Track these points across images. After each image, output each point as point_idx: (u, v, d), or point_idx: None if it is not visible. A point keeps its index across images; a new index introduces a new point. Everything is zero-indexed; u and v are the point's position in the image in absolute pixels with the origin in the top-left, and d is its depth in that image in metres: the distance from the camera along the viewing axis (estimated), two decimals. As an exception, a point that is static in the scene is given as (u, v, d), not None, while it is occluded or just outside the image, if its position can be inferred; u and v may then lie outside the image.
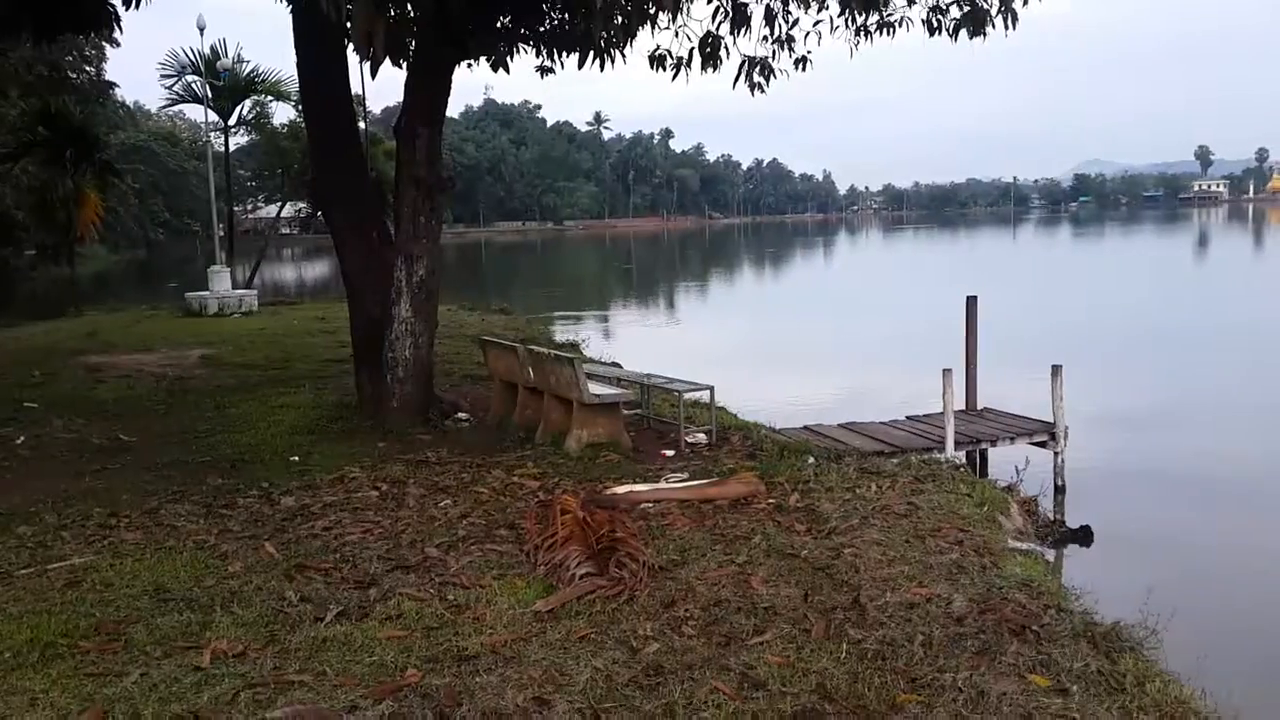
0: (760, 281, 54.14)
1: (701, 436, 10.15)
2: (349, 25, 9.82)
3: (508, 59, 10.63)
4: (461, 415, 11.08)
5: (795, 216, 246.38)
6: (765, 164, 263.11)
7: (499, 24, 10.47)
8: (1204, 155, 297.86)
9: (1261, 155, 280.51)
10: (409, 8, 9.64)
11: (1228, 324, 26.47)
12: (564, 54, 10.80)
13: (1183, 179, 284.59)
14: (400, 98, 10.99)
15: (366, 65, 9.73)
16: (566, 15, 10.25)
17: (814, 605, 5.38)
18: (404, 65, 10.49)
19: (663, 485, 8.15)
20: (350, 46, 9.88)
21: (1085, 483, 11.43)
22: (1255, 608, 8.43)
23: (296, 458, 9.40)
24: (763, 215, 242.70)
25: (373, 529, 6.98)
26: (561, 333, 24.58)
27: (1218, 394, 17.41)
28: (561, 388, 9.64)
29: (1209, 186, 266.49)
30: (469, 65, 11.15)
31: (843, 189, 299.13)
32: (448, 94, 11.00)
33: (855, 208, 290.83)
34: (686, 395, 10.64)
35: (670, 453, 9.60)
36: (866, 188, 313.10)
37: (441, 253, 11.52)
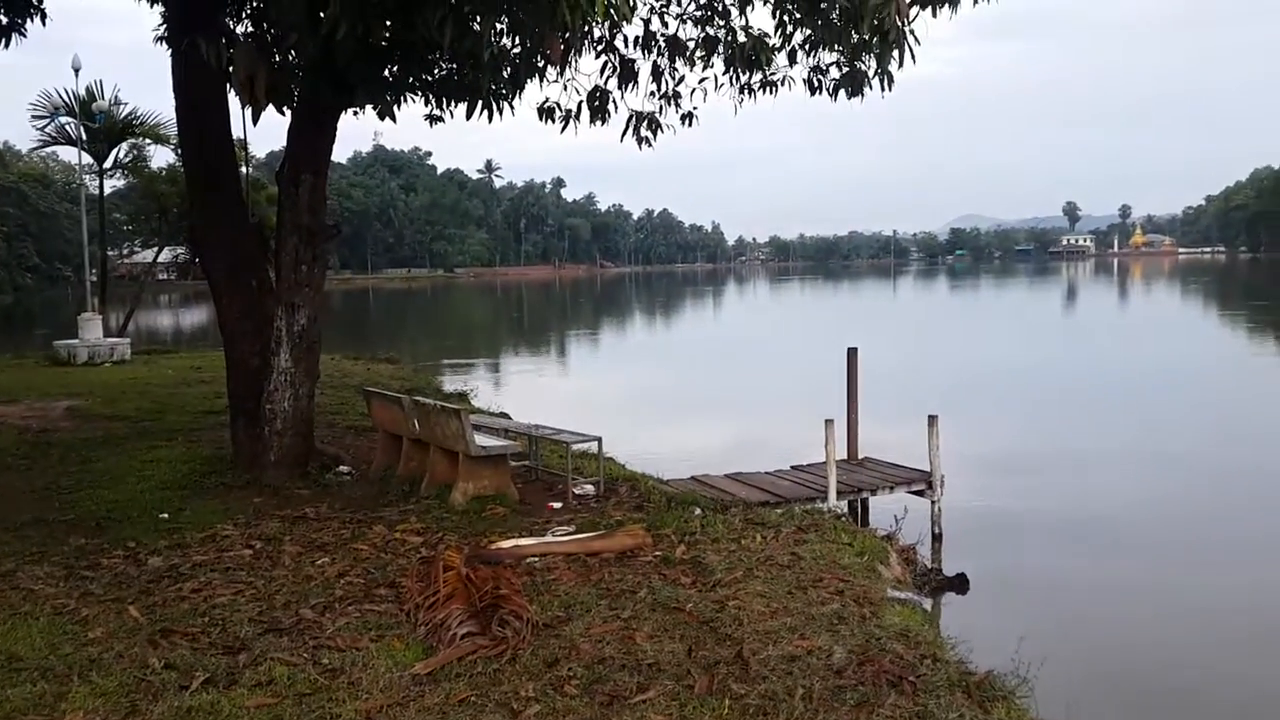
0: (651, 331, 54.56)
1: (589, 488, 10.10)
2: (230, 70, 9.67)
3: (395, 107, 10.56)
4: (343, 469, 10.80)
5: (685, 266, 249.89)
6: (656, 214, 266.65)
7: (386, 73, 10.39)
8: (1072, 211, 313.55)
9: (1125, 211, 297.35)
10: (292, 55, 9.49)
11: (1095, 373, 27.72)
12: (453, 103, 10.78)
13: (1052, 233, 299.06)
14: (286, 141, 10.79)
15: (249, 110, 9.59)
16: (455, 65, 10.24)
17: (698, 660, 5.37)
18: (288, 111, 10.32)
19: (549, 539, 8.06)
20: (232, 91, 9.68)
21: (962, 530, 11.75)
22: (1122, 649, 8.76)
23: (166, 515, 9.00)
24: (653, 265, 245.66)
25: (245, 590, 6.71)
26: (450, 382, 24.30)
27: (1086, 441, 18.16)
28: (447, 440, 9.50)
29: (1076, 241, 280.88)
30: (355, 113, 11.04)
31: (731, 240, 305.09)
32: (333, 141, 10.85)
33: (743, 258, 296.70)
34: (575, 446, 10.59)
35: (558, 505, 9.52)
36: (754, 239, 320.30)
37: (325, 301, 11.29)
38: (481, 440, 9.53)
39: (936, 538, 11.43)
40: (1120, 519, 12.84)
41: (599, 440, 10.37)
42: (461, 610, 5.82)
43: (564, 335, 49.57)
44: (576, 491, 9.94)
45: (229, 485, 10.13)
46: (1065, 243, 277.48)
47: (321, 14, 7.85)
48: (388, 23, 8.60)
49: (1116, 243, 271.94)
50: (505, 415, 15.39)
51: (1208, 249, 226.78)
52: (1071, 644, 8.43)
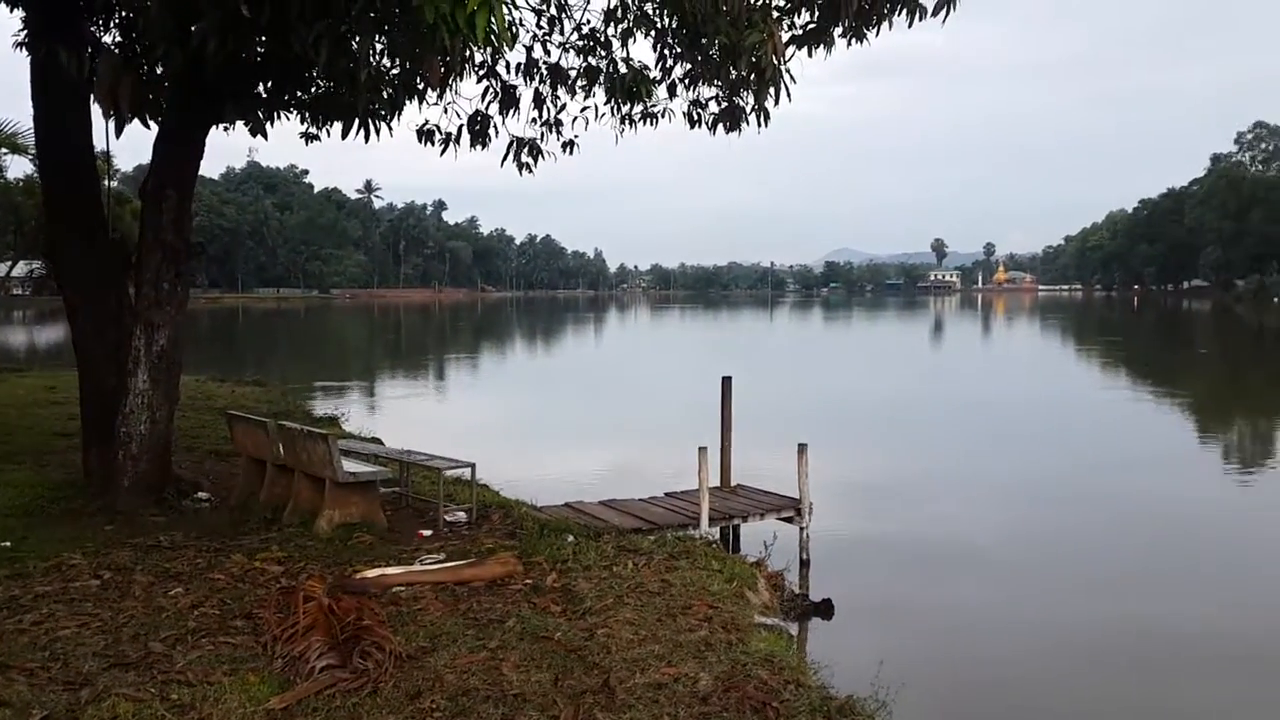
0: (531, 356, 54.31)
1: (461, 515, 9.97)
2: (93, 80, 9.29)
3: (268, 124, 10.33)
4: (202, 495, 10.40)
5: (568, 292, 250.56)
6: (539, 240, 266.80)
7: (260, 89, 10.15)
8: (939, 247, 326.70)
9: (989, 249, 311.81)
10: (158, 67, 9.20)
11: (958, 403, 28.75)
12: (329, 122, 10.60)
13: (920, 269, 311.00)
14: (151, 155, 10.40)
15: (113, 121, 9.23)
16: (332, 84, 10.07)
17: (564, 690, 5.34)
18: (154, 124, 9.97)
19: (417, 567, 7.92)
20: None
21: (830, 555, 11.99)
22: (979, 670, 9.05)
23: (8, 543, 8.49)
24: (536, 290, 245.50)
25: (90, 622, 6.38)
26: (321, 406, 23.70)
27: (950, 468, 18.81)
28: (313, 465, 9.25)
29: (944, 276, 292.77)
30: (225, 128, 10.74)
31: (613, 267, 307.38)
32: (200, 156, 10.53)
33: (625, 285, 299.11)
34: (448, 472, 10.45)
35: (428, 532, 9.36)
36: (635, 267, 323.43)
37: (189, 320, 10.89)
38: (350, 466, 9.31)
39: (804, 564, 11.64)
40: (980, 543, 13.32)
41: (472, 466, 10.25)
42: (321, 642, 5.66)
43: (443, 359, 48.90)
44: (448, 519, 9.80)
45: (79, 512, 9.64)
46: (933, 278, 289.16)
47: (192, 27, 7.65)
48: (261, 38, 8.43)
49: (981, 278, 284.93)
50: (378, 440, 15.08)
51: (1065, 286, 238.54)
52: (931, 667, 8.68)
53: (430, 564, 8.07)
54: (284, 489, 9.79)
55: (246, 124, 10.29)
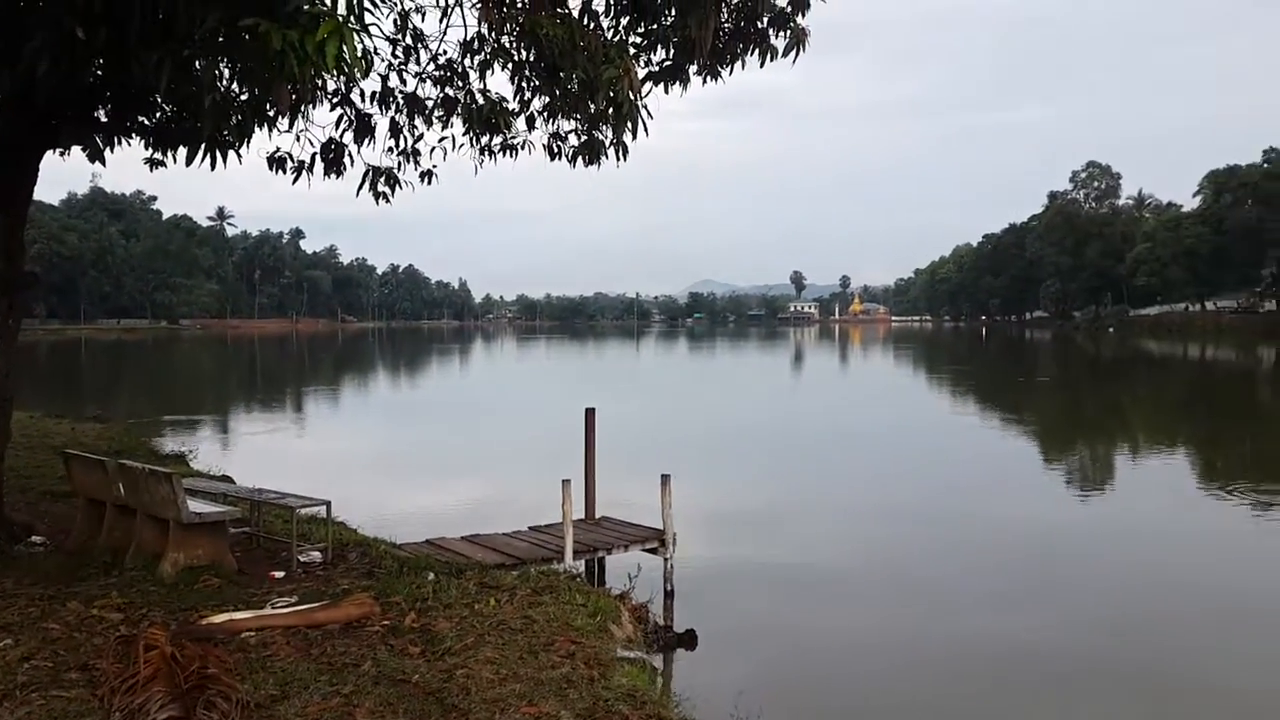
0: (394, 388, 53.21)
1: (316, 555, 9.65)
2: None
3: (108, 149, 9.86)
4: (36, 539, 9.78)
5: (432, 323, 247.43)
6: (401, 269, 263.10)
7: (98, 113, 9.69)
8: (798, 280, 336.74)
9: (845, 281, 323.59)
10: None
11: (818, 430, 29.51)
12: (174, 148, 10.19)
13: (780, 300, 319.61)
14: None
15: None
16: (176, 109, 9.69)
17: (421, 734, 5.19)
18: (-20, 147, 9.41)
19: (268, 611, 7.61)
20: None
21: (695, 585, 12.08)
22: (837, 694, 9.24)
23: None
24: (398, 320, 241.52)
25: (-97, 682, 5.90)
26: (169, 443, 22.65)
27: (812, 493, 19.26)
28: (156, 506, 8.81)
29: (803, 308, 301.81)
30: (61, 153, 10.21)
31: (478, 297, 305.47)
32: (34, 182, 9.96)
33: (490, 316, 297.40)
34: (302, 511, 10.10)
35: (280, 574, 9.02)
36: (501, 297, 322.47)
37: (21, 353, 10.26)
38: (196, 506, 8.91)
39: (669, 595, 11.68)
40: (840, 567, 13.65)
41: (328, 504, 9.94)
42: (163, 693, 5.37)
43: (300, 392, 47.44)
44: (302, 559, 9.47)
45: (-107, 561, 8.93)
46: (793, 309, 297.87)
47: (22, 48, 7.26)
48: (99, 61, 8.06)
49: (838, 310, 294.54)
50: (228, 478, 14.50)
51: (917, 317, 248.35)
52: (790, 693, 8.82)
53: (282, 607, 7.76)
54: (125, 531, 9.28)
55: (84, 149, 9.81)
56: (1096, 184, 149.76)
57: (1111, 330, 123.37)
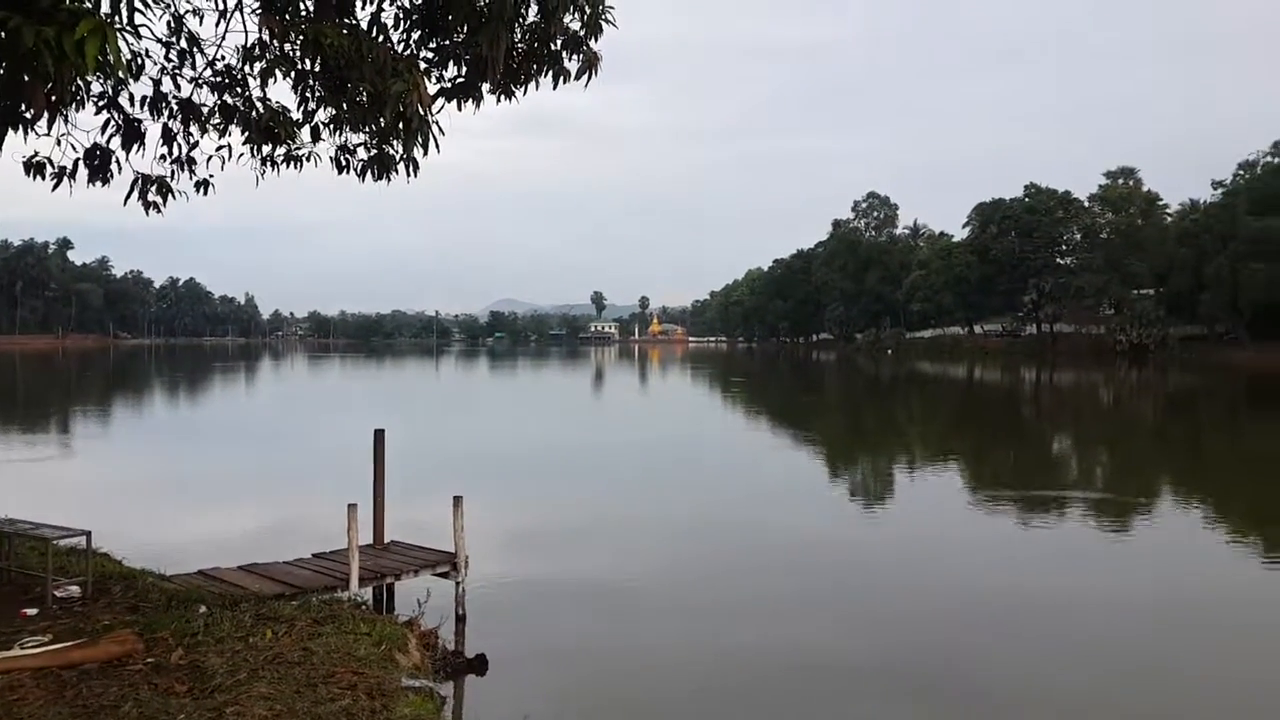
0: (170, 409, 50.09)
1: (75, 589, 8.96)
2: None
3: None
4: None
5: (215, 339, 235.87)
6: (181, 283, 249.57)
7: None
8: (599, 300, 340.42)
9: (644, 302, 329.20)
10: None
11: (615, 447, 29.84)
12: (-89, 149, 9.27)
13: (582, 319, 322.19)
14: None
15: None
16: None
17: (183, 779, 4.88)
18: None
19: (15, 652, 7.00)
20: None
21: (489, 609, 11.93)
22: (628, 712, 9.30)
23: None
24: (179, 337, 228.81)
25: None
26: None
27: (608, 510, 19.41)
28: (-117, 543, 7.95)
29: (603, 328, 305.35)
30: None
31: (267, 314, 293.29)
32: None
33: (280, 333, 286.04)
34: (58, 542, 9.37)
35: (33, 611, 8.34)
36: (292, 314, 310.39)
37: None
38: (-68, 541, 8.10)
39: (460, 619, 11.46)
40: (635, 583, 13.79)
41: (88, 534, 9.25)
42: (-120, 753, 4.83)
43: (65, 414, 43.97)
44: (58, 594, 8.78)
45: None
46: (594, 329, 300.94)
47: None
48: None
49: (638, 330, 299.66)
50: (-25, 509, 13.24)
51: (713, 338, 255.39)
52: (580, 714, 8.81)
53: (32, 647, 7.16)
54: None
55: None
56: (876, 214, 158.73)
57: (890, 352, 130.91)
